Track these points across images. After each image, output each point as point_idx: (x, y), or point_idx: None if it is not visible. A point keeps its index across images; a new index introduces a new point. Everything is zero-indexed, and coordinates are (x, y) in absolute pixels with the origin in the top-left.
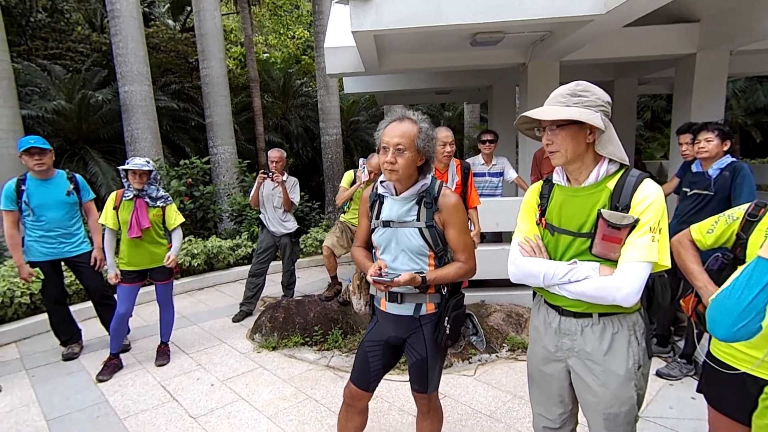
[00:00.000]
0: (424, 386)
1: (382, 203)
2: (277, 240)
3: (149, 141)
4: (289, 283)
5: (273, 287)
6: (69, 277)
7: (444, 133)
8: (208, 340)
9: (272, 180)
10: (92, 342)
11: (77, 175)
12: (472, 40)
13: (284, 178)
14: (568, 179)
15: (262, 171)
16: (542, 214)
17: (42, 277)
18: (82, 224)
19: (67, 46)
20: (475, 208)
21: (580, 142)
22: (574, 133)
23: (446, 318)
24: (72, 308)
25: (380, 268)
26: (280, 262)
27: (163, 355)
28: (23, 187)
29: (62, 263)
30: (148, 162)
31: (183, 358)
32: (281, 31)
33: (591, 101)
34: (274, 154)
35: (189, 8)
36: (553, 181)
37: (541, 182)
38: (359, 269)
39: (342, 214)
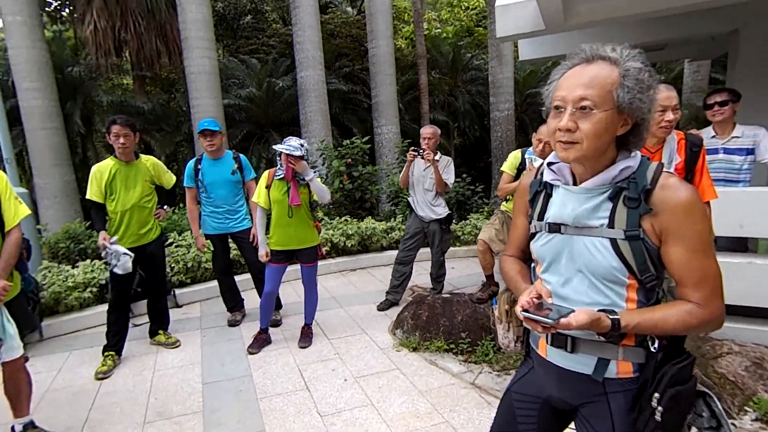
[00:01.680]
0: None
1: (550, 196)
2: (425, 226)
3: (320, 123)
4: (438, 275)
5: (423, 275)
6: (234, 249)
7: (665, 93)
8: (351, 327)
9: (423, 159)
10: (253, 311)
11: (241, 155)
12: None
13: (437, 157)
14: None
15: (413, 148)
16: None
17: (212, 249)
18: (244, 202)
19: (263, 41)
20: (708, 203)
21: None
22: None
23: (657, 395)
24: (237, 278)
25: (538, 297)
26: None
27: (305, 337)
28: (199, 166)
29: (228, 237)
30: (302, 145)
31: (324, 343)
32: (453, 3)
33: None
34: (427, 130)
35: None
36: None
37: None
38: (509, 288)
39: (504, 202)
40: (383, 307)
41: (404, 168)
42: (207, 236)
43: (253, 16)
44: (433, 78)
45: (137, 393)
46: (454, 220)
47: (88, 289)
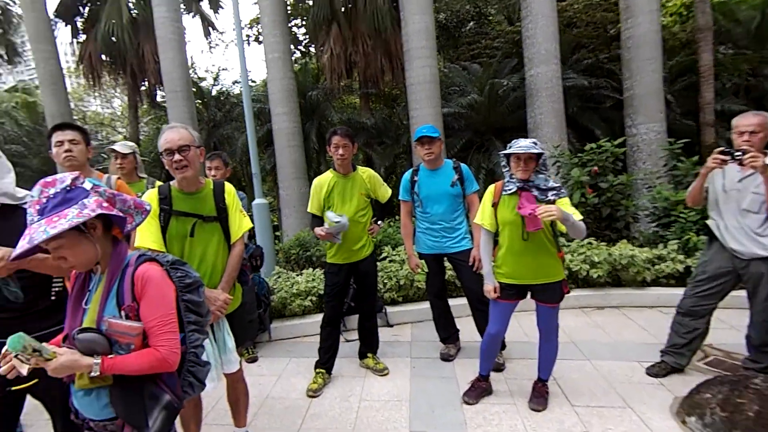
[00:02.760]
0: None
1: None
2: (740, 265)
3: (552, 125)
4: (762, 343)
5: (721, 331)
6: (450, 269)
7: None
8: (605, 392)
9: (741, 164)
10: (470, 345)
11: (463, 165)
12: None
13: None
14: None
15: (720, 151)
16: None
17: (426, 269)
18: (464, 218)
19: (485, 45)
20: None
21: None
22: None
23: None
24: (452, 302)
25: None
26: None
27: (539, 396)
28: (416, 178)
29: (444, 258)
30: (535, 143)
31: (565, 410)
32: None
33: None
34: (749, 120)
35: None
36: None
37: None
38: None
39: None
40: (658, 372)
41: (698, 178)
42: (421, 255)
43: (476, 21)
44: (722, 56)
45: (342, 423)
46: None
47: (309, 298)
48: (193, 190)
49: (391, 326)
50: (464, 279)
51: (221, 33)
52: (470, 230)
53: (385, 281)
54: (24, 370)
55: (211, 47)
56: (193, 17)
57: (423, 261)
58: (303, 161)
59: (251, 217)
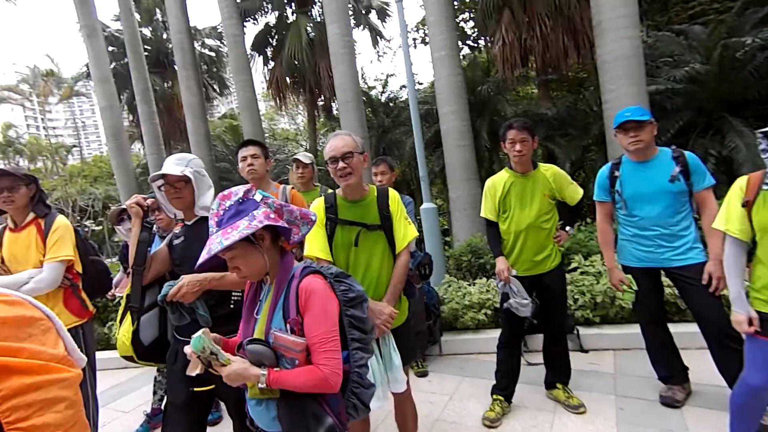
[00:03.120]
0: None
1: None
2: None
3: None
4: None
5: None
6: (669, 287)
7: None
8: None
9: None
10: (706, 389)
11: (688, 154)
12: None
13: None
14: None
15: None
16: None
17: (634, 287)
18: (692, 223)
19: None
20: None
21: None
22: None
23: None
24: (674, 329)
25: None
26: None
27: None
28: (617, 173)
29: (662, 273)
30: None
31: None
32: None
33: None
34: None
35: None
36: None
37: None
38: None
39: None
40: None
41: None
42: (625, 269)
43: None
44: None
45: None
46: None
47: (483, 311)
48: (357, 197)
49: (586, 352)
50: (695, 303)
51: (388, 41)
52: (700, 237)
53: (576, 297)
54: (195, 371)
55: (379, 56)
56: (362, 30)
57: (629, 276)
58: (473, 161)
59: (419, 222)
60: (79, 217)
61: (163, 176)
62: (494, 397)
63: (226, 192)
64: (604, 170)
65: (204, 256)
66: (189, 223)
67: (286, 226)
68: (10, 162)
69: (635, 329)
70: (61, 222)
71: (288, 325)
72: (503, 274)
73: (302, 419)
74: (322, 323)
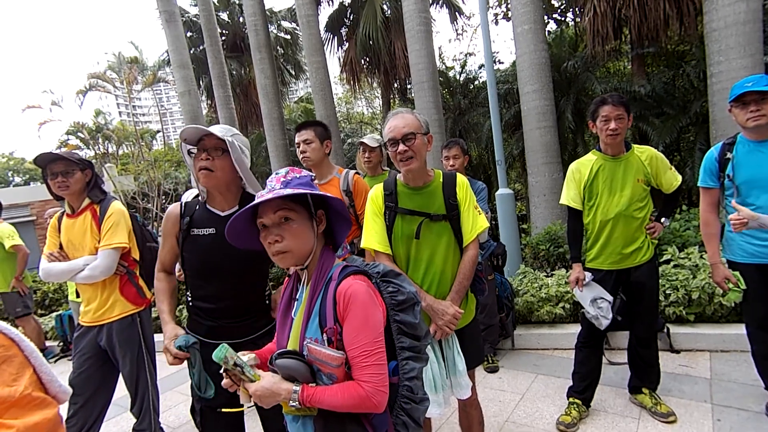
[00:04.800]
0: None
1: None
2: None
3: None
4: None
5: None
6: None
7: None
8: None
9: None
10: None
11: None
12: None
13: None
14: None
15: None
16: None
17: (742, 286)
18: None
19: None
20: None
21: None
22: None
23: None
24: None
25: None
26: None
27: None
28: (729, 155)
29: None
30: None
31: None
32: None
33: None
34: None
35: None
36: None
37: None
38: None
39: None
40: None
41: None
42: (733, 264)
43: None
44: None
45: None
46: None
47: (561, 305)
48: (420, 184)
49: (677, 352)
50: None
51: (469, 17)
52: None
53: (668, 292)
54: (247, 401)
55: (458, 34)
56: (440, 8)
57: (737, 273)
58: (556, 143)
59: (493, 208)
60: (163, 200)
61: (201, 139)
62: (570, 400)
63: (296, 168)
64: (713, 151)
65: (266, 195)
66: (222, 213)
67: (346, 219)
68: (99, 147)
69: (736, 329)
70: (116, 208)
71: (325, 335)
72: (574, 284)
73: None
74: (364, 333)
